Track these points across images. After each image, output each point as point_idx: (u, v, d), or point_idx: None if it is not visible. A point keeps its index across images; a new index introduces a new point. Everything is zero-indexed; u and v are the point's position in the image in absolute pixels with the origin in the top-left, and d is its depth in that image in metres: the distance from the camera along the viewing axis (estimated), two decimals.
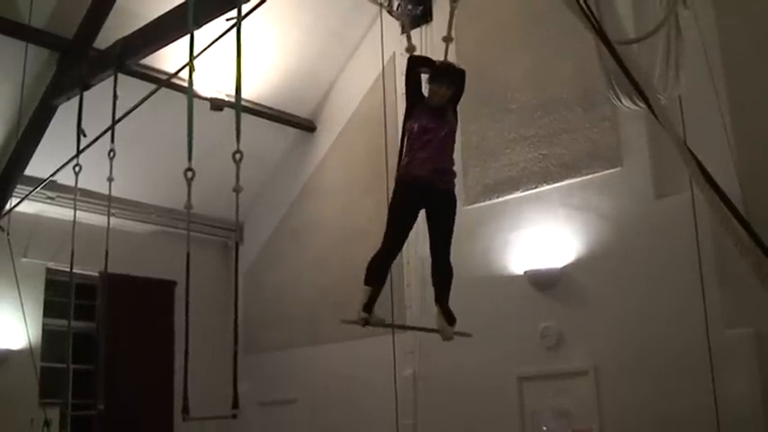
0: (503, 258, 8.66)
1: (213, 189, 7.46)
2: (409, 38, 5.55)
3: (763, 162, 6.72)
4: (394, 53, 9.64)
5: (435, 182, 4.96)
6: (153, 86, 7.83)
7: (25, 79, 8.33)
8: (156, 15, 7.46)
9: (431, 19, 9.33)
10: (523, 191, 8.72)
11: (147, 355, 10.44)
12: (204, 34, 6.64)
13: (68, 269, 7.51)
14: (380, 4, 9.65)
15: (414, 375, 9.12)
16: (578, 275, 8.13)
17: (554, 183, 8.49)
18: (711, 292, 6.78)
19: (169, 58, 8.58)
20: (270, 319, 11.14)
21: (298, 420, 10.32)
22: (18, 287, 8.83)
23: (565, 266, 8.24)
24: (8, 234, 8.99)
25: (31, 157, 9.12)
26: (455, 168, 5.18)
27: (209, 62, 7.76)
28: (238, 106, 6.03)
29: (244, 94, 6.29)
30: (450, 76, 5.09)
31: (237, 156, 5.71)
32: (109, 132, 7.28)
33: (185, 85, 6.66)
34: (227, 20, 6.33)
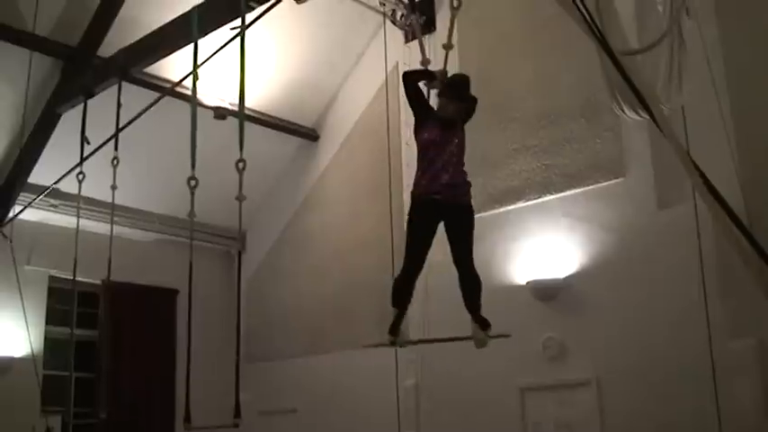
0: (505, 268, 8.64)
1: (216, 198, 7.47)
2: (423, 50, 5.56)
3: (766, 172, 6.70)
4: (397, 63, 9.65)
5: (450, 197, 4.95)
6: (157, 95, 7.83)
7: (29, 87, 8.35)
8: (160, 24, 7.47)
9: (434, 28, 9.34)
10: (526, 201, 8.73)
11: (149, 363, 10.42)
12: (208, 43, 6.67)
13: (71, 277, 7.53)
14: (384, 14, 9.67)
15: (416, 386, 9.09)
16: (581, 286, 8.12)
17: (557, 193, 8.49)
18: (714, 302, 6.76)
19: (173, 66, 8.60)
20: (272, 328, 11.11)
21: (299, 430, 10.29)
22: (21, 295, 8.82)
23: (567, 277, 8.23)
24: (11, 242, 8.99)
25: (34, 164, 9.13)
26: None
27: (213, 71, 7.79)
28: (242, 115, 6.05)
29: (247, 103, 6.30)
30: (460, 91, 5.07)
31: (240, 164, 5.73)
32: (112, 140, 7.29)
33: (189, 93, 6.66)
34: (231, 29, 6.36)
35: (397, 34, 9.82)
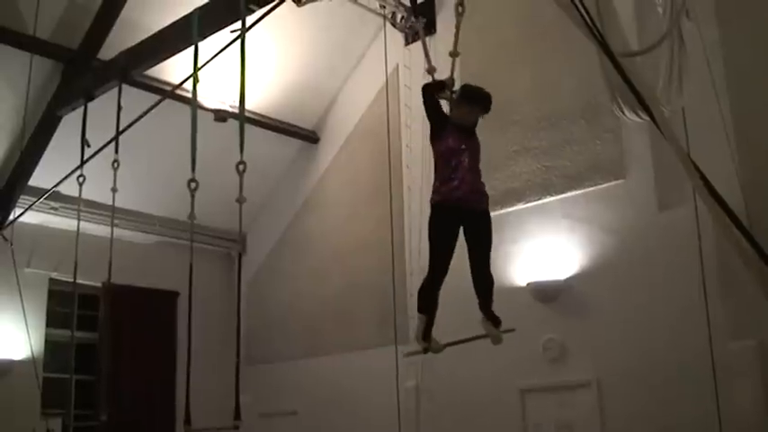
0: (505, 270, 8.63)
1: (216, 200, 7.48)
2: (428, 59, 5.58)
3: (766, 174, 6.70)
4: (397, 65, 9.66)
5: (471, 203, 5.01)
6: (157, 97, 7.85)
7: (30, 90, 8.36)
8: (160, 27, 7.49)
9: (434, 31, 9.35)
10: (526, 203, 8.73)
11: (149, 365, 10.44)
12: (208, 46, 6.68)
13: (71, 279, 7.53)
14: (384, 17, 9.68)
15: (416, 387, 9.09)
16: (581, 287, 8.12)
17: (557, 195, 8.50)
18: (715, 303, 6.75)
19: (173, 69, 8.61)
20: (272, 330, 11.12)
21: None
22: (21, 297, 8.83)
23: (568, 278, 8.23)
24: (12, 244, 8.99)
25: (35, 167, 9.15)
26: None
27: (213, 73, 7.80)
28: (242, 117, 6.06)
29: (247, 106, 6.31)
30: (476, 96, 5.12)
31: (241, 167, 5.74)
32: (113, 143, 7.30)
33: (189, 96, 6.68)
34: (232, 32, 6.37)
35: (397, 37, 9.83)
